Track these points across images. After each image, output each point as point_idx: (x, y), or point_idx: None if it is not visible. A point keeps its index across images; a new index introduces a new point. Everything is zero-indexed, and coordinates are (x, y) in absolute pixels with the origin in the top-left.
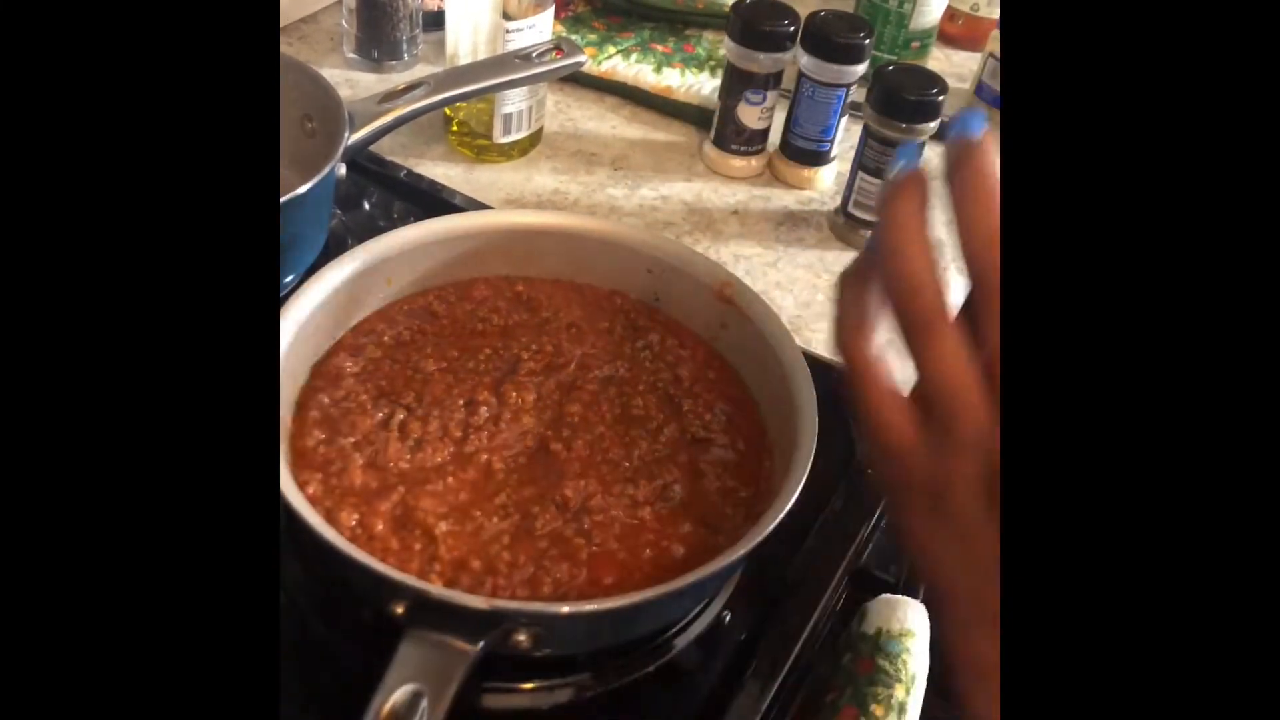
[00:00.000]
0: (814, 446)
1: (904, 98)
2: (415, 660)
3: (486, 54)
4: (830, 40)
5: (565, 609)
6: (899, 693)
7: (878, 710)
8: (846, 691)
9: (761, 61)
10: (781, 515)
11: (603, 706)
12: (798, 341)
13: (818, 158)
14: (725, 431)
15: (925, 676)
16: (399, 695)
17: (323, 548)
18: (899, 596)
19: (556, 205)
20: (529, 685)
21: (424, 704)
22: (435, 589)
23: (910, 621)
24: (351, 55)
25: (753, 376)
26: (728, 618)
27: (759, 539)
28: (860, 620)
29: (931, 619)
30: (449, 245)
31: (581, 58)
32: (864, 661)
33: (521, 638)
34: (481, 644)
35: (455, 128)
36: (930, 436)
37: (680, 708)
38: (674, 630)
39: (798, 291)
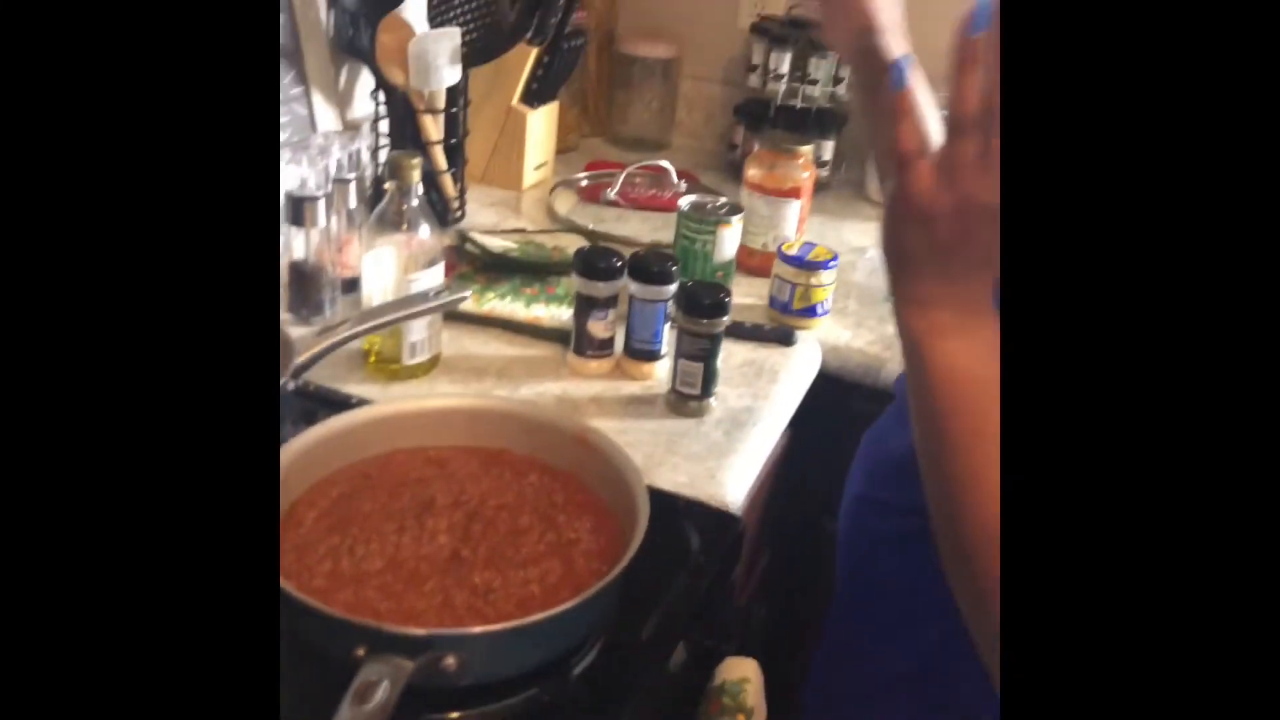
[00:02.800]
0: (645, 525)
1: (701, 302)
2: (376, 667)
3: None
4: (649, 269)
5: (477, 629)
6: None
7: None
8: None
9: (601, 289)
10: (622, 565)
11: None
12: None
13: (652, 355)
14: (590, 534)
15: (764, 712)
16: (367, 674)
17: (306, 610)
18: (737, 657)
19: None
20: (455, 714)
21: (385, 685)
22: (388, 625)
23: (746, 671)
24: (285, 315)
25: (609, 495)
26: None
27: (610, 578)
28: (710, 680)
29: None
30: (377, 425)
31: (466, 293)
32: (714, 704)
33: (449, 662)
34: (421, 658)
35: (372, 358)
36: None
37: None
38: (565, 667)
39: (643, 450)
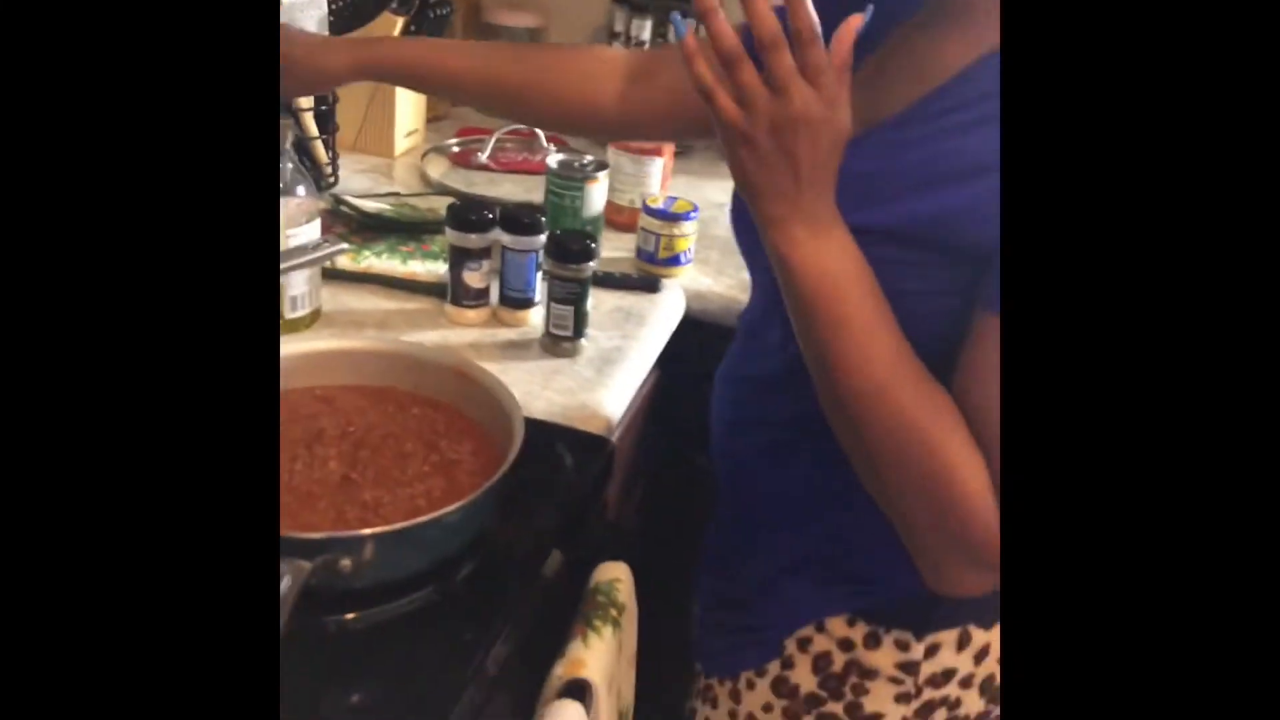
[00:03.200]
0: (520, 441)
1: (569, 249)
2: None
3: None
4: (519, 221)
5: (367, 531)
6: (613, 613)
7: (599, 624)
8: (578, 621)
9: (474, 240)
10: (501, 472)
11: (402, 624)
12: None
13: (525, 302)
14: (471, 456)
15: (635, 610)
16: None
17: None
18: (610, 562)
19: None
20: (351, 615)
21: (285, 580)
22: (288, 531)
23: (617, 573)
24: None
25: (488, 421)
26: (481, 563)
27: (489, 484)
28: (587, 583)
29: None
30: None
31: (343, 245)
32: (589, 603)
33: (344, 563)
34: (318, 559)
35: None
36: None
37: (459, 627)
38: (451, 571)
39: (520, 386)
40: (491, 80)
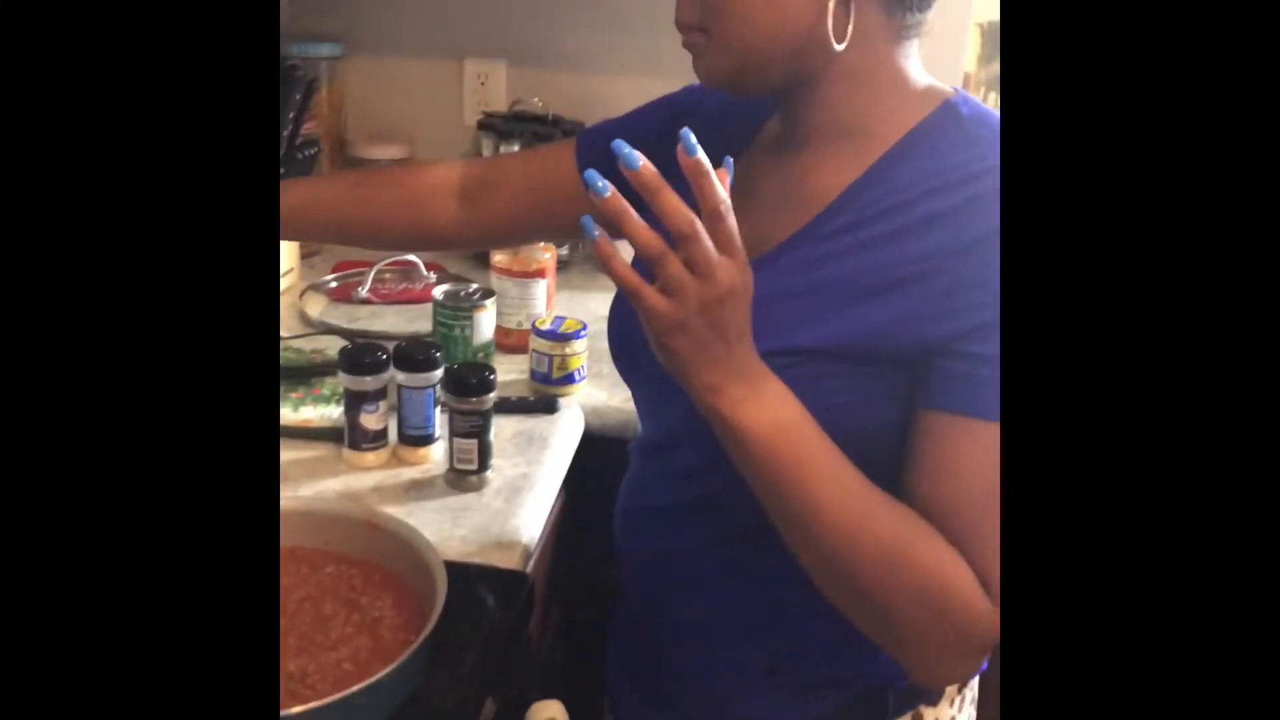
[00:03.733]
0: (444, 592)
1: (468, 382)
2: None
3: None
4: (414, 358)
5: (295, 709)
6: None
7: None
8: None
9: (369, 382)
10: (429, 628)
11: None
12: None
13: (426, 439)
14: (393, 609)
15: None
16: None
17: None
18: (542, 701)
19: None
20: None
21: None
22: None
23: (552, 711)
24: None
25: (406, 571)
26: None
27: (419, 643)
28: None
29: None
30: None
31: None
32: None
33: None
34: None
35: None
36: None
37: None
38: None
39: (430, 528)
40: (319, 215)
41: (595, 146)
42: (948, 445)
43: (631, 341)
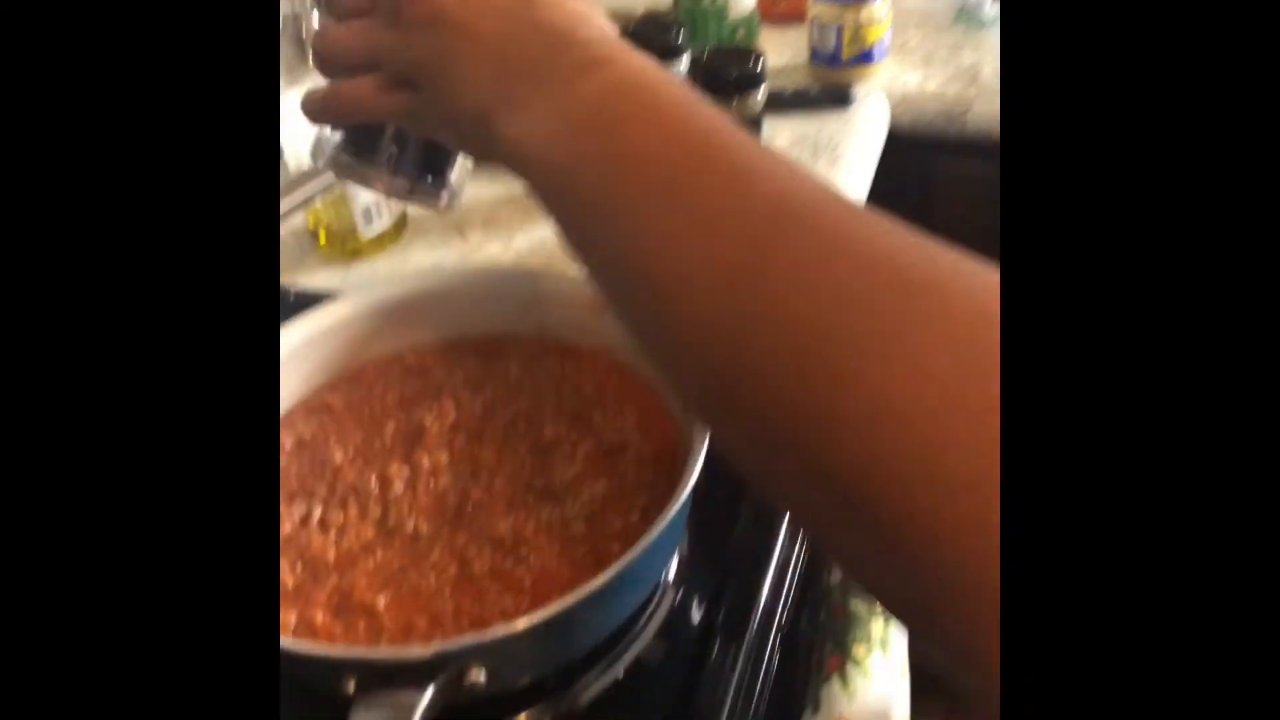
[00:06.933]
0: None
1: (726, 77)
2: (369, 715)
3: None
4: (649, 43)
5: (500, 632)
6: (876, 629)
7: (859, 650)
8: (828, 644)
9: None
10: (692, 480)
11: None
12: None
13: None
14: (638, 431)
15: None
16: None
17: None
18: None
19: None
20: (522, 717)
21: None
22: (374, 652)
23: None
24: None
25: (653, 374)
26: (680, 599)
27: (674, 510)
28: (828, 574)
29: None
30: (325, 340)
31: None
32: (836, 609)
33: (475, 676)
34: (430, 690)
35: (323, 239)
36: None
37: (655, 703)
38: (635, 629)
39: None
40: None
41: None
42: None
43: None
